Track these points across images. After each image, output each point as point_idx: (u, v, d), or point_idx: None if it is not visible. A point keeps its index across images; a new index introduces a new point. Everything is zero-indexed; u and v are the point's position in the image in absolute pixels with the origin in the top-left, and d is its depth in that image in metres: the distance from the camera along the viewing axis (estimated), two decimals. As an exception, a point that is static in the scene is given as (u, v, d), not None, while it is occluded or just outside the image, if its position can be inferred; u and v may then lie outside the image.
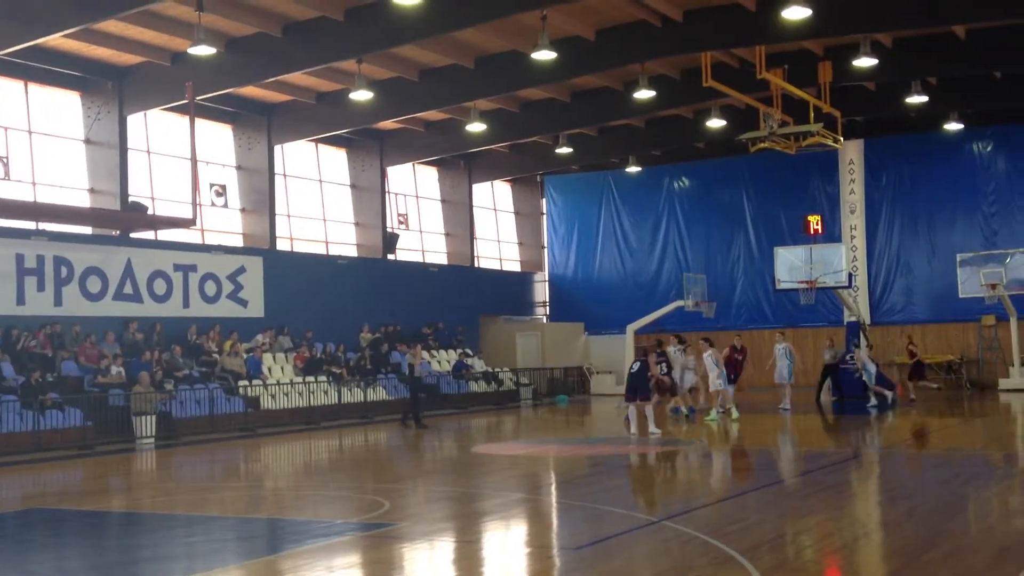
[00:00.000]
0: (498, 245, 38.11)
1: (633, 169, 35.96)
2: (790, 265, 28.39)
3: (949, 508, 11.13)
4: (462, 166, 35.56)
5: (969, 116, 31.71)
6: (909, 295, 33.07)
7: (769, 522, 10.44)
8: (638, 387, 19.08)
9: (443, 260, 35.24)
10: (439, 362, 30.58)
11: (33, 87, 24.05)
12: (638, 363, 19.37)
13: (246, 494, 14.03)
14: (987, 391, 29.93)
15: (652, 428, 18.95)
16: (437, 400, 27.68)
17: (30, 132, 23.85)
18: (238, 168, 28.71)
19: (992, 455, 16.27)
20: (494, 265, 37.61)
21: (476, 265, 36.20)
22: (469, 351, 32.18)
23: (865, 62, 24.29)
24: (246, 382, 23.98)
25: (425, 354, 29.20)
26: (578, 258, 37.90)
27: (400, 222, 33.15)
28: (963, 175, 32.42)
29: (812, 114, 26.18)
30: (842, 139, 28.24)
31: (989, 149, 32.32)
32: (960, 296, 30.24)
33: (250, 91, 26.87)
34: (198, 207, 23.06)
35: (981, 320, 31.34)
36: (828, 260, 27.86)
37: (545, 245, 39.10)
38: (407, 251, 33.45)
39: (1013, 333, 29.73)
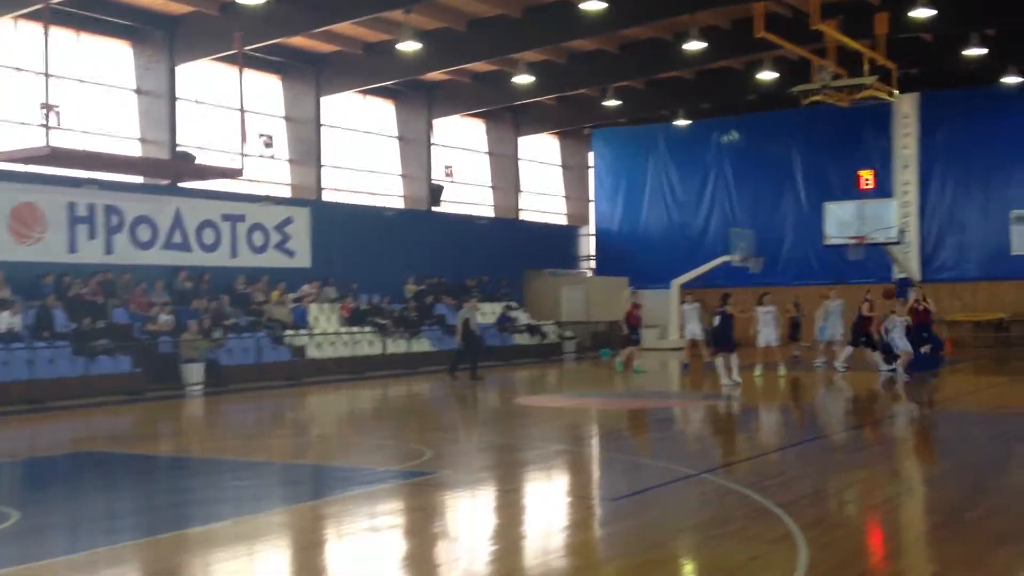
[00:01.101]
0: (544, 198, 37.97)
1: (682, 122, 35.57)
2: (839, 220, 28.05)
3: (994, 466, 11.02)
4: (509, 119, 35.38)
5: (1028, 70, 30.95)
6: (961, 252, 32.52)
7: (810, 477, 10.39)
8: (720, 339, 19.84)
9: (489, 213, 35.21)
10: (483, 315, 30.62)
11: (85, 36, 24.23)
12: (719, 316, 19.80)
13: (291, 441, 14.24)
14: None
15: (725, 380, 19.33)
16: (482, 352, 27.71)
17: (81, 81, 24.07)
18: (286, 119, 28.82)
19: (1041, 415, 16.06)
20: (540, 218, 37.52)
21: (522, 218, 36.14)
22: (514, 304, 32.23)
23: (922, 13, 23.74)
24: (292, 332, 24.25)
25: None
26: (625, 212, 37.67)
27: (446, 174, 33.12)
28: (1021, 130, 31.67)
29: (867, 66, 25.66)
30: (897, 92, 27.67)
31: (1048, 104, 31.53)
32: (1012, 253, 29.68)
33: (298, 42, 26.90)
34: (246, 157, 23.22)
35: (1033, 278, 30.81)
36: (879, 216, 27.48)
37: (592, 199, 38.91)
38: (453, 203, 33.46)
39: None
